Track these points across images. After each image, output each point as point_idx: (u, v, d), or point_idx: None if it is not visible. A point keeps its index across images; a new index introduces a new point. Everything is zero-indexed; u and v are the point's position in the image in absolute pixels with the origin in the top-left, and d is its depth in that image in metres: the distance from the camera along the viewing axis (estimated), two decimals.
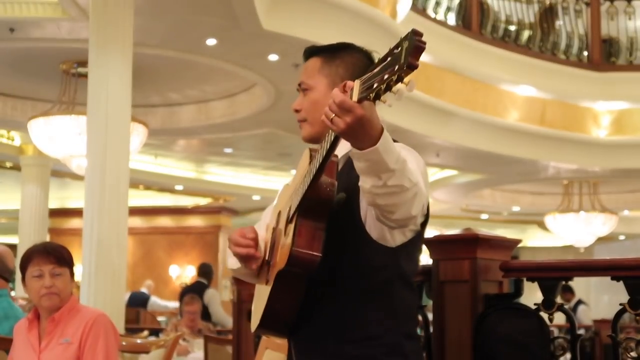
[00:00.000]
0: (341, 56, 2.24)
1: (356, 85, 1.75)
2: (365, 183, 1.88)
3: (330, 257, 2.01)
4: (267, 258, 2.18)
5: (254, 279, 2.29)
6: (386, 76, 1.64)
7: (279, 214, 2.22)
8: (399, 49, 1.64)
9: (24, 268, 3.13)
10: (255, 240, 2.17)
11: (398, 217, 1.94)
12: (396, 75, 1.62)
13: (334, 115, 1.78)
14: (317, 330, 2.09)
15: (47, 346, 3.11)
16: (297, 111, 2.23)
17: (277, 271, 2.02)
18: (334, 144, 1.88)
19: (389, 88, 1.65)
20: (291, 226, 2.02)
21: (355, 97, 1.74)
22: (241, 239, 2.15)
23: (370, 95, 1.68)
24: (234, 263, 2.26)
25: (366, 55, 2.27)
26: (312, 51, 2.27)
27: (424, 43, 1.61)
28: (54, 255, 3.11)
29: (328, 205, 2.01)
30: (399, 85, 1.63)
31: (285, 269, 1.99)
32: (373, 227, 2.07)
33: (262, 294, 2.17)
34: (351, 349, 2.06)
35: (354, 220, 2.07)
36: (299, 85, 2.24)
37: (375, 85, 1.67)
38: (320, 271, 2.01)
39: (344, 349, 2.07)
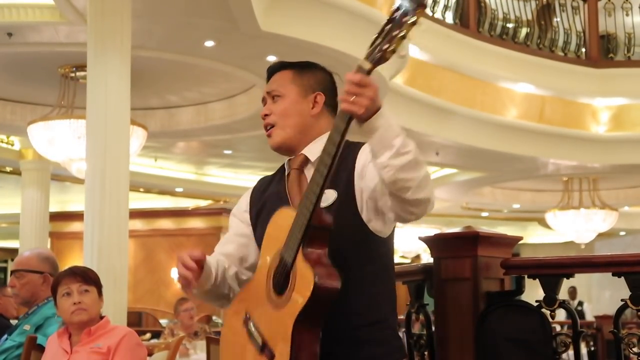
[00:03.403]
0: (311, 71, 2.35)
1: (364, 62, 1.92)
2: (381, 158, 1.98)
3: (339, 252, 2.06)
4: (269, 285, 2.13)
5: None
6: (396, 32, 1.86)
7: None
8: (399, 9, 1.85)
9: (54, 291, 3.38)
10: (199, 263, 2.20)
11: (421, 196, 2.06)
12: (411, 20, 1.84)
13: (354, 96, 1.91)
14: (334, 321, 2.09)
15: (78, 350, 3.29)
16: (266, 116, 2.31)
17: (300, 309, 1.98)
18: (345, 131, 1.97)
19: (404, 37, 1.86)
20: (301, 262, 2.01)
21: (368, 66, 1.92)
22: (187, 260, 2.19)
23: (387, 54, 1.88)
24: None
25: (330, 75, 2.38)
26: (282, 65, 2.38)
27: None
28: (80, 275, 3.38)
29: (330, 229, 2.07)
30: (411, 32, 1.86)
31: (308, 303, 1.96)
32: (374, 217, 2.16)
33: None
34: (366, 333, 2.14)
35: (353, 213, 2.15)
36: (268, 93, 2.32)
37: (386, 47, 1.87)
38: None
39: (361, 332, 2.14)
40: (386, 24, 1.89)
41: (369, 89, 1.92)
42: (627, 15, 11.89)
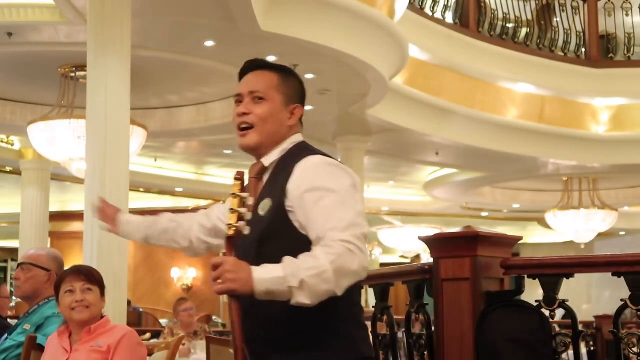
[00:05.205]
0: (293, 80, 2.36)
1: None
2: (292, 302, 2.02)
3: (274, 259, 2.08)
4: None
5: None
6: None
7: None
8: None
9: (57, 288, 3.37)
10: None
11: (349, 280, 2.06)
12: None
13: (219, 280, 2.00)
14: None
15: (78, 349, 3.28)
16: (244, 114, 2.30)
17: None
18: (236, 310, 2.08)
19: (235, 210, 2.07)
20: None
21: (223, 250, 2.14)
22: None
23: (227, 229, 2.07)
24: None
25: (302, 83, 2.39)
26: (265, 65, 2.37)
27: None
28: (84, 274, 3.38)
29: None
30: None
31: None
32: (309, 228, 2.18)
33: None
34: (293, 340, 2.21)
35: (286, 222, 2.18)
36: (251, 92, 2.30)
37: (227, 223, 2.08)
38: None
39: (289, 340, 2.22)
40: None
41: (223, 265, 1.99)
42: (627, 15, 11.89)
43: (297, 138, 2.33)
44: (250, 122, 2.29)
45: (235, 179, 2.09)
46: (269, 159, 2.30)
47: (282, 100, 2.30)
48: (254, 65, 2.36)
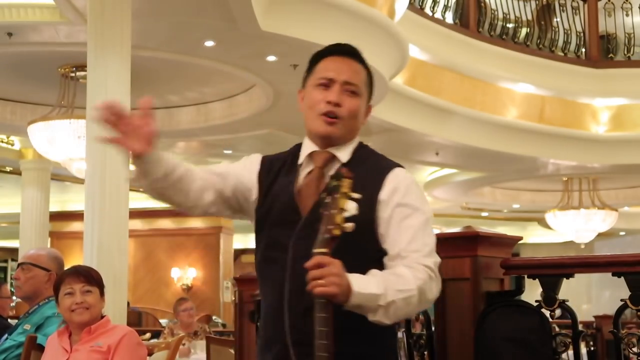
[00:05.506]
0: (371, 77, 2.30)
1: (317, 252, 1.89)
2: (371, 317, 1.97)
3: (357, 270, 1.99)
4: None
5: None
6: (332, 209, 1.90)
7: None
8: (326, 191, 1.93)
9: (57, 289, 3.37)
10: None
11: (422, 308, 2.09)
12: (340, 192, 1.91)
13: (322, 281, 1.86)
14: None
15: (78, 349, 3.29)
16: (336, 105, 2.18)
17: None
18: (331, 318, 1.89)
19: (343, 210, 1.90)
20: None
21: (323, 251, 1.89)
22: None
23: (334, 231, 1.89)
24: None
25: None
26: (359, 56, 2.28)
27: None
28: (84, 275, 3.37)
29: None
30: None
31: None
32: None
33: None
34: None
35: (372, 233, 2.12)
36: (347, 83, 2.20)
37: (331, 227, 1.89)
38: None
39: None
40: (323, 211, 1.93)
41: (330, 267, 1.87)
42: (627, 15, 11.90)
43: (358, 137, 2.29)
44: (340, 115, 2.18)
45: (346, 177, 1.94)
46: (343, 154, 2.21)
47: (366, 99, 2.25)
48: (347, 52, 2.26)
